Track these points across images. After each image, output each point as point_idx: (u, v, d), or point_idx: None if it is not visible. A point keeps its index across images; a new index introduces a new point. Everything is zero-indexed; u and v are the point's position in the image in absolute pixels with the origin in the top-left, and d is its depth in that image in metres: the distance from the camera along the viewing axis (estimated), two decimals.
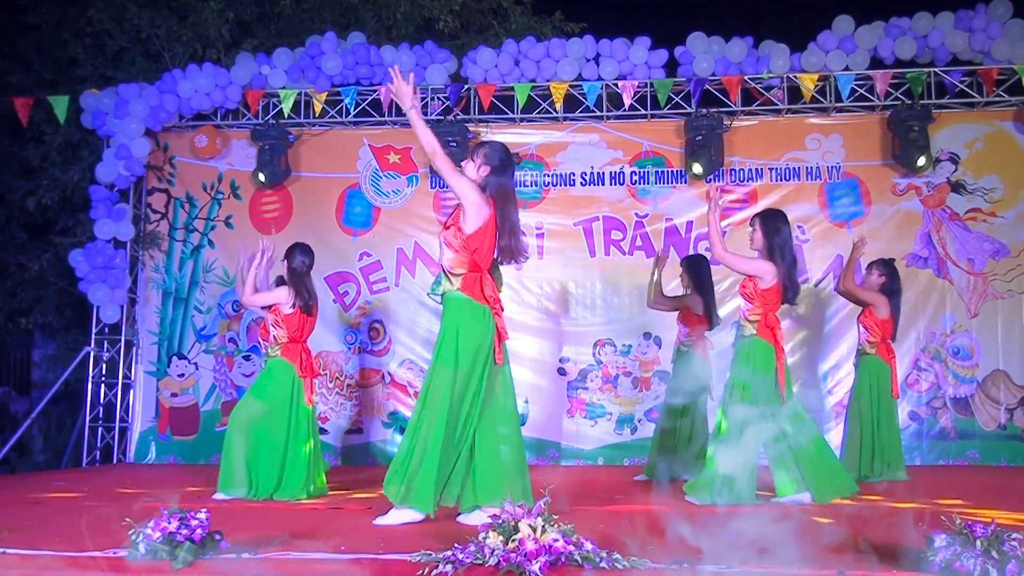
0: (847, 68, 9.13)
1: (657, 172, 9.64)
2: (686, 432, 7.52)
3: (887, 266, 7.64)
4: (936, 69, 9.16)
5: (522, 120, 9.74)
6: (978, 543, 3.16)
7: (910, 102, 9.09)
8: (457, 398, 4.71)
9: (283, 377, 6.38)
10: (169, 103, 9.56)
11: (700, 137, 9.13)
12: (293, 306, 6.40)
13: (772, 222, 5.94)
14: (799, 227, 9.33)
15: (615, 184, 9.67)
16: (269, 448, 6.27)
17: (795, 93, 9.30)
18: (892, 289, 7.54)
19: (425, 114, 9.64)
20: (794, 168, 9.47)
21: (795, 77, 9.18)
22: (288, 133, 9.71)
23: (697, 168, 9.10)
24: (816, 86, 9.16)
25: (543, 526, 3.37)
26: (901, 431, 7.75)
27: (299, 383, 6.39)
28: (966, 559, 3.15)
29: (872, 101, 9.28)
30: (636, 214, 9.61)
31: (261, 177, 9.54)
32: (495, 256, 4.93)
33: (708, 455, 5.90)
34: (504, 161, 4.90)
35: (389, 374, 9.61)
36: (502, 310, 4.90)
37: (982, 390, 9.07)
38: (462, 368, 4.72)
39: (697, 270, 7.71)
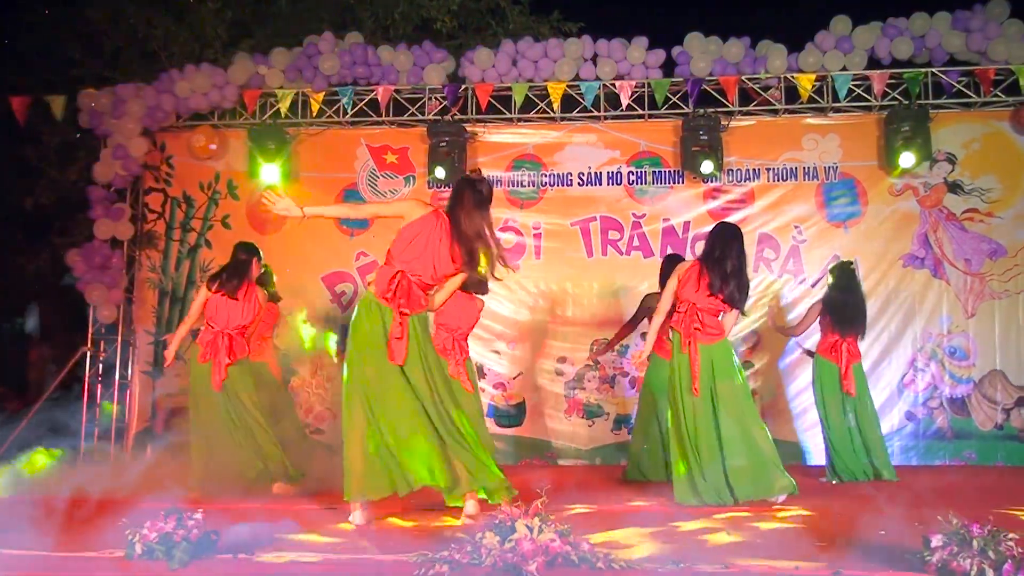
0: (844, 68, 9.12)
1: (654, 172, 9.64)
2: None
3: (837, 268, 7.80)
4: (933, 69, 9.15)
5: (519, 120, 9.73)
6: (975, 543, 3.17)
7: (907, 102, 9.10)
8: (361, 389, 4.89)
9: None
10: (166, 103, 9.56)
11: (706, 136, 9.13)
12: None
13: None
14: (796, 227, 9.34)
15: (612, 184, 9.67)
16: None
17: (792, 93, 9.30)
18: (834, 288, 7.66)
19: (423, 114, 9.65)
20: (791, 168, 9.47)
21: (792, 77, 9.17)
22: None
23: (707, 167, 9.09)
24: (813, 86, 9.15)
25: (540, 526, 3.37)
26: (880, 430, 7.73)
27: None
28: (963, 559, 3.15)
29: (869, 101, 9.28)
30: (633, 214, 9.61)
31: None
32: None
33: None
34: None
35: None
36: (410, 312, 4.95)
37: (979, 390, 9.07)
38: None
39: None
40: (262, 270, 7.09)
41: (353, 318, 5.02)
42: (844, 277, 7.68)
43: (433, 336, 6.47)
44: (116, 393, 9.73)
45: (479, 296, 7.50)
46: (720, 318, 6.08)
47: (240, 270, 6.78)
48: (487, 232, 4.96)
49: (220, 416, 6.61)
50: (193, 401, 6.81)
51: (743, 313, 6.14)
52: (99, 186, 9.59)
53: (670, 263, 7.77)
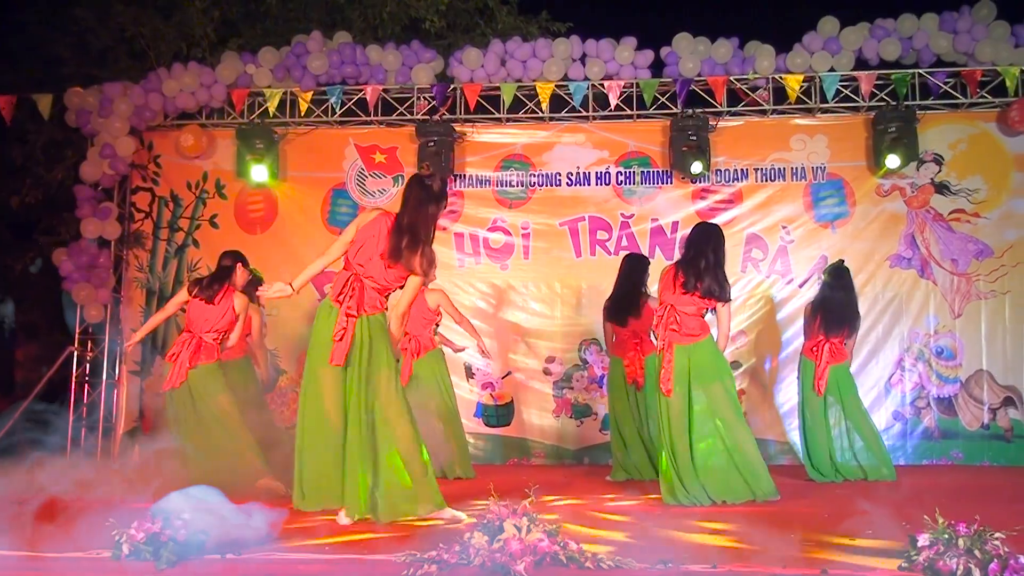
0: (832, 69, 9.15)
1: (643, 172, 9.65)
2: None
3: (829, 269, 7.87)
4: (920, 70, 9.19)
5: (508, 120, 9.73)
6: (961, 542, 3.18)
7: (895, 103, 9.13)
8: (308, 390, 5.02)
9: None
10: (154, 102, 9.53)
11: (694, 137, 9.14)
12: None
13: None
14: (784, 227, 9.36)
15: (601, 184, 9.68)
16: None
17: (780, 94, 9.32)
18: (824, 288, 7.74)
19: (411, 114, 9.65)
20: (779, 169, 9.49)
21: (780, 78, 9.20)
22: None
23: (696, 167, 9.11)
24: (801, 87, 9.18)
25: (528, 526, 3.37)
26: (873, 428, 7.75)
27: None
28: (949, 558, 3.16)
29: (857, 102, 9.31)
30: (622, 214, 9.62)
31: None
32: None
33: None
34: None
35: None
36: (356, 314, 4.98)
37: (965, 390, 9.10)
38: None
39: None
40: (250, 275, 7.10)
41: (314, 322, 5.12)
42: (840, 277, 7.72)
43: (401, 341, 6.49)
44: (103, 393, 9.70)
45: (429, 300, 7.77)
46: (706, 317, 6.09)
47: (222, 276, 6.86)
48: (421, 230, 4.96)
49: (191, 421, 6.65)
50: (170, 410, 6.85)
51: (727, 300, 6.06)
52: (86, 185, 9.56)
53: (630, 263, 7.85)
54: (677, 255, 9.24)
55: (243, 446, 6.60)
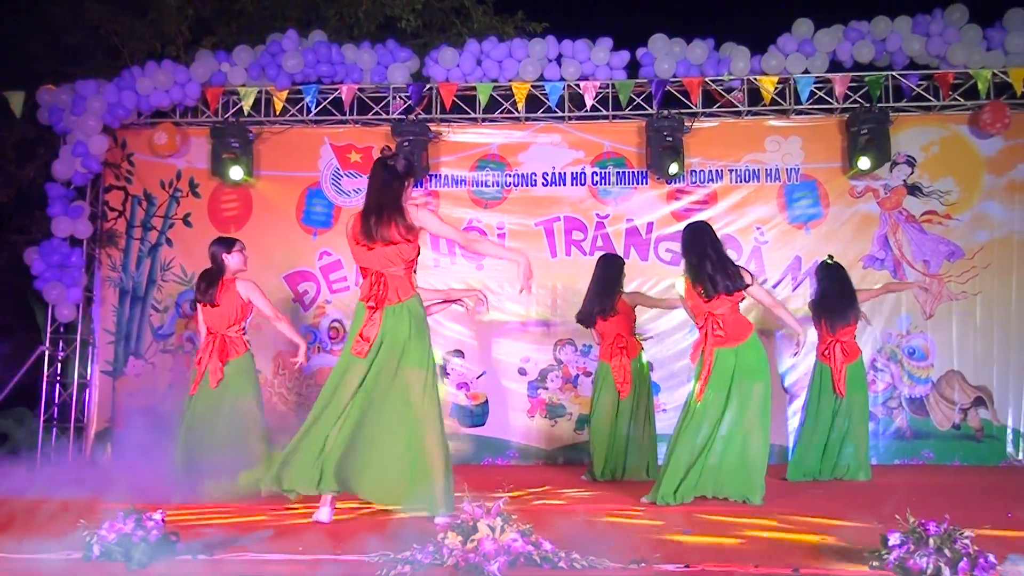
0: (806, 71, 9.20)
1: (618, 173, 9.67)
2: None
3: (820, 266, 7.96)
4: (894, 73, 9.26)
5: (484, 120, 9.73)
6: (931, 541, 3.20)
7: (868, 105, 9.19)
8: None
9: None
10: (127, 100, 9.47)
11: (670, 138, 9.17)
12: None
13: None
14: (758, 228, 9.41)
15: (576, 184, 9.70)
16: None
17: (755, 95, 9.36)
18: (819, 284, 7.87)
19: (387, 113, 9.63)
20: (754, 170, 9.54)
21: (755, 79, 9.24)
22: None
23: (672, 168, 9.13)
24: (776, 88, 9.23)
25: (502, 526, 3.37)
26: (867, 429, 7.86)
27: None
28: (919, 557, 3.19)
29: (831, 104, 9.36)
30: (597, 215, 9.64)
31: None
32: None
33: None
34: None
35: None
36: (376, 305, 5.00)
37: (937, 390, 9.18)
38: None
39: None
40: (243, 253, 6.86)
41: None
42: (832, 271, 7.81)
43: None
44: (75, 393, 9.63)
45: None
46: (742, 309, 6.10)
47: (211, 274, 6.71)
48: (386, 206, 4.99)
49: (211, 419, 6.51)
50: (190, 413, 6.67)
51: (746, 286, 6.02)
52: (58, 183, 9.48)
53: (604, 264, 7.85)
54: (652, 256, 9.34)
55: (254, 457, 6.48)
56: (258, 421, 6.63)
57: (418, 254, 5.12)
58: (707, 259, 5.98)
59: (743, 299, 6.07)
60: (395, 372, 4.92)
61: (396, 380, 4.91)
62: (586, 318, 7.81)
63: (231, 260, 6.75)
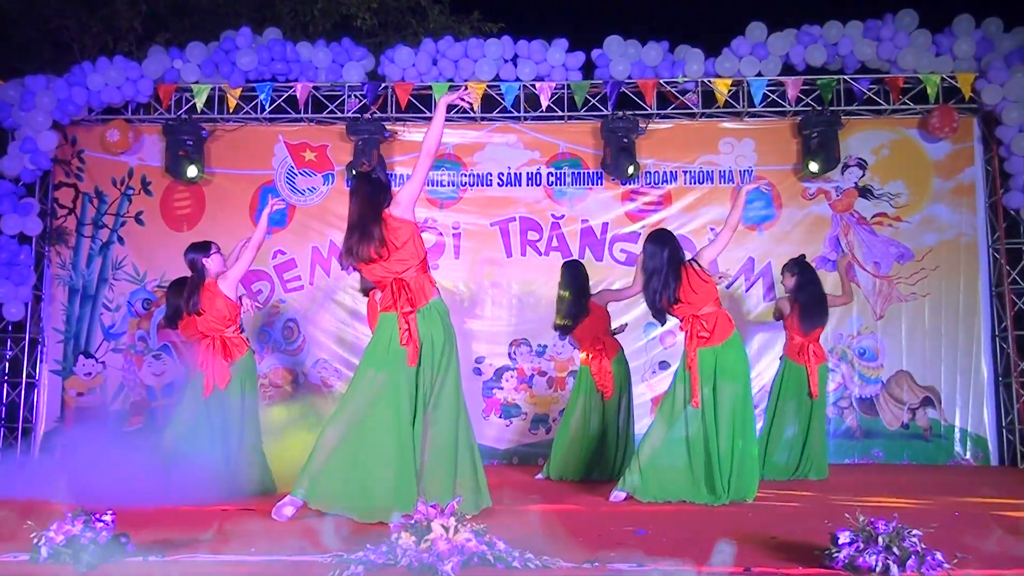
0: (760, 74, 9.28)
1: (573, 173, 9.70)
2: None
3: (796, 264, 7.89)
4: (845, 76, 9.36)
5: None
6: (880, 539, 3.24)
7: (820, 108, 9.29)
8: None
9: None
10: (78, 96, 9.34)
11: (626, 139, 9.22)
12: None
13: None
14: (711, 229, 9.46)
15: (532, 185, 9.71)
16: None
17: (709, 97, 9.42)
18: (799, 284, 7.78)
19: (342, 112, 9.59)
20: (707, 172, 9.61)
21: (709, 82, 9.30)
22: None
23: (632, 169, 9.17)
24: (729, 91, 9.31)
25: (456, 526, 3.36)
26: (821, 432, 7.90)
27: None
28: (868, 555, 3.23)
29: (784, 107, 9.45)
30: (552, 215, 9.66)
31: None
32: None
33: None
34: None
35: (303, 373, 9.52)
36: (412, 309, 4.99)
37: (886, 390, 9.30)
38: None
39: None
40: (220, 254, 6.66)
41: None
42: (808, 271, 7.85)
43: None
44: (23, 392, 9.49)
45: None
46: (712, 298, 6.13)
47: (194, 283, 6.48)
48: (369, 221, 5.00)
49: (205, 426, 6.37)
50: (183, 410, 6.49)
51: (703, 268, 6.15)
52: (7, 180, 9.33)
53: (572, 271, 7.86)
54: (607, 256, 9.37)
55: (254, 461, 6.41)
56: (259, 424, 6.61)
57: (426, 253, 5.20)
58: (663, 270, 6.04)
59: (716, 295, 6.15)
60: (443, 376, 4.98)
61: (444, 385, 4.98)
62: (571, 328, 7.78)
63: (211, 263, 6.52)
